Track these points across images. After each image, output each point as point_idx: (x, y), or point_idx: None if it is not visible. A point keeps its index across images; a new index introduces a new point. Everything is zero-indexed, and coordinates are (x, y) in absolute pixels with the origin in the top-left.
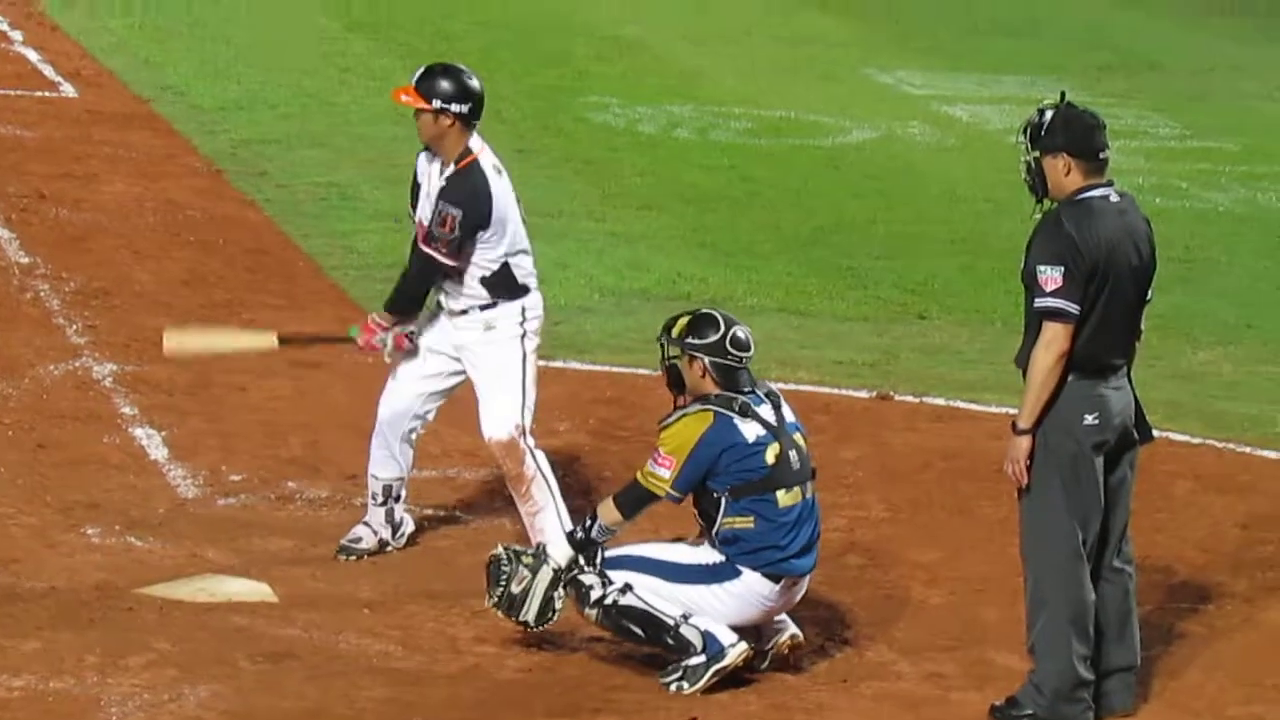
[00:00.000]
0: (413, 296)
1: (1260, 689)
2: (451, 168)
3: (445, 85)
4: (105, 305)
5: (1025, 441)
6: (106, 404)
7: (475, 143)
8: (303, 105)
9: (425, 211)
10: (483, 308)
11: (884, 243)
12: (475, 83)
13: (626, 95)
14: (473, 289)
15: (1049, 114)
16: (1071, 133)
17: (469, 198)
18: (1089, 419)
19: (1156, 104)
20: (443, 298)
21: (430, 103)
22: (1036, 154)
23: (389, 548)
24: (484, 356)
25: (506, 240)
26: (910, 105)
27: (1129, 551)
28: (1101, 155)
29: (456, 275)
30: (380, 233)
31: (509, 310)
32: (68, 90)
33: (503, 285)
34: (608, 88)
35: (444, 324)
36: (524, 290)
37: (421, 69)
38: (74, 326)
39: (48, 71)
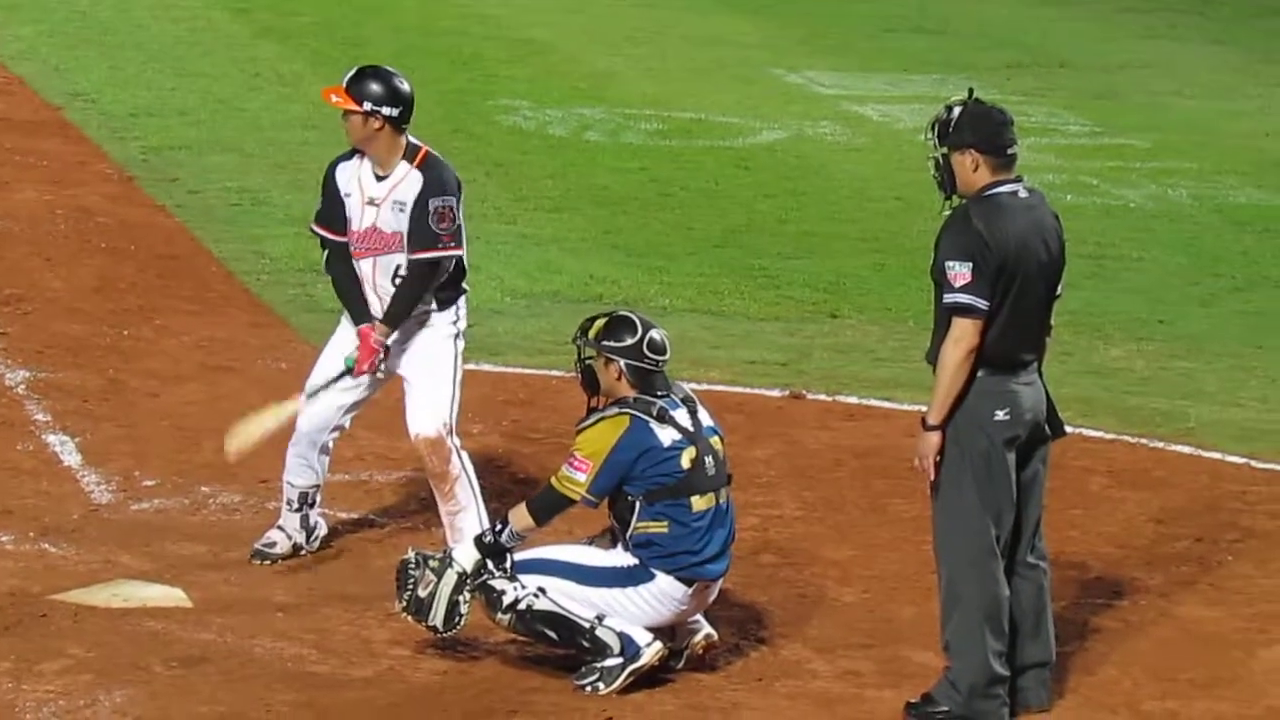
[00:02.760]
0: (413, 304)
1: (1175, 684)
2: (404, 166)
3: (376, 88)
4: (17, 312)
5: (935, 437)
6: (19, 410)
7: (414, 140)
8: (213, 111)
9: (370, 218)
10: (423, 309)
11: (795, 242)
12: (406, 86)
13: (536, 98)
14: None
15: (957, 110)
16: (979, 129)
17: (453, 184)
18: (1000, 414)
19: (1067, 101)
20: (376, 304)
21: (361, 104)
22: (944, 150)
23: (303, 551)
24: (417, 353)
25: (464, 232)
26: (820, 105)
27: (1042, 547)
28: (1010, 151)
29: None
30: (292, 237)
31: (445, 310)
32: None
33: (453, 283)
34: (518, 90)
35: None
36: (463, 290)
37: (353, 70)
38: None
39: None
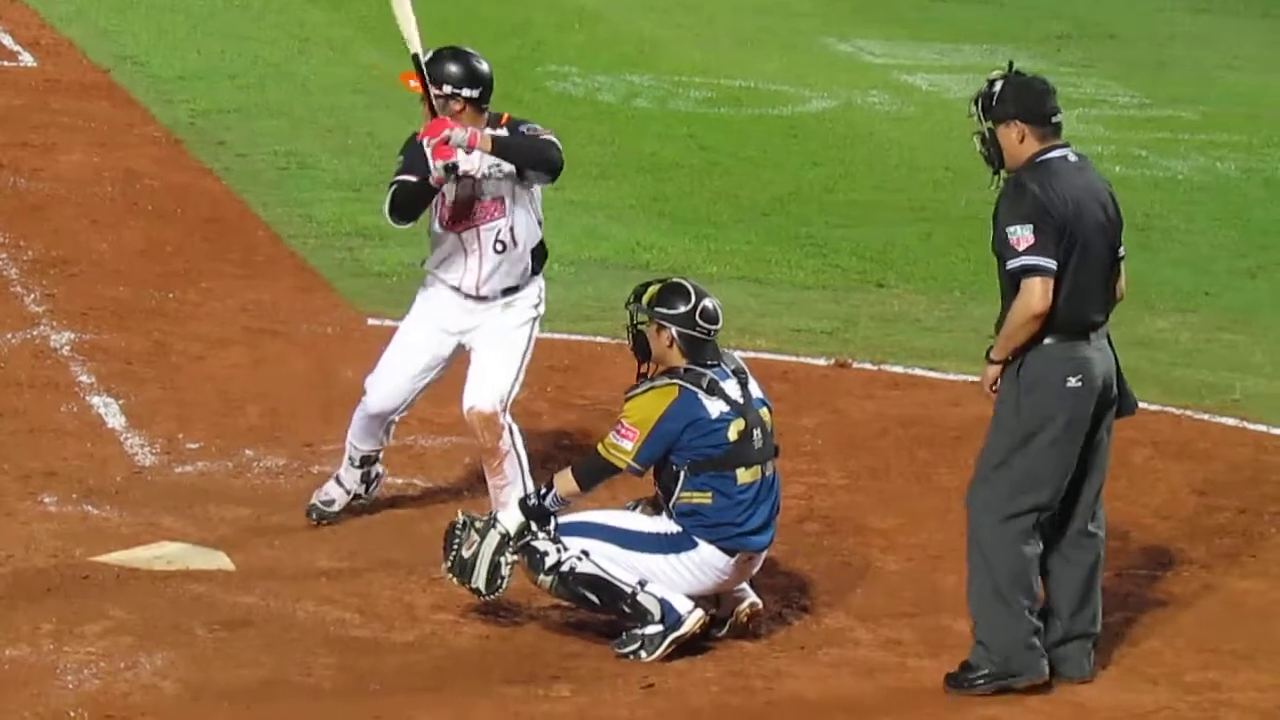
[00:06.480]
0: (527, 156)
1: (1217, 655)
2: (489, 131)
3: (454, 69)
4: (63, 274)
5: (993, 369)
6: (64, 372)
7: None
8: (261, 75)
9: (465, 191)
10: (510, 289)
11: (843, 211)
12: (484, 66)
13: (585, 65)
14: (524, 259)
15: (999, 83)
16: (1023, 99)
17: (542, 128)
18: (1072, 381)
19: (1116, 73)
20: (475, 272)
21: (440, 88)
22: (990, 124)
23: (361, 500)
24: (495, 332)
25: (540, 199)
26: (870, 74)
27: (1102, 516)
28: (1054, 119)
29: (513, 243)
30: (339, 202)
31: (529, 290)
32: (26, 59)
33: (539, 252)
34: (566, 57)
35: (455, 311)
36: (544, 264)
37: (430, 53)
38: (32, 295)
39: (6, 41)
